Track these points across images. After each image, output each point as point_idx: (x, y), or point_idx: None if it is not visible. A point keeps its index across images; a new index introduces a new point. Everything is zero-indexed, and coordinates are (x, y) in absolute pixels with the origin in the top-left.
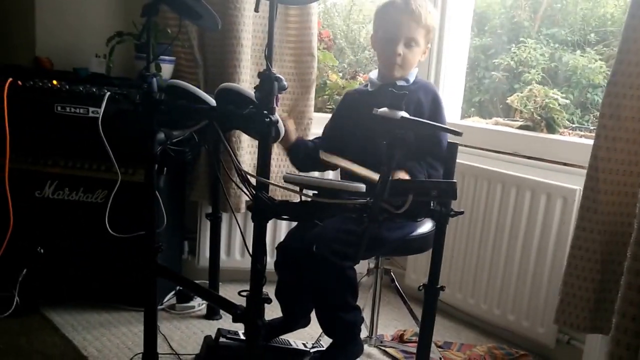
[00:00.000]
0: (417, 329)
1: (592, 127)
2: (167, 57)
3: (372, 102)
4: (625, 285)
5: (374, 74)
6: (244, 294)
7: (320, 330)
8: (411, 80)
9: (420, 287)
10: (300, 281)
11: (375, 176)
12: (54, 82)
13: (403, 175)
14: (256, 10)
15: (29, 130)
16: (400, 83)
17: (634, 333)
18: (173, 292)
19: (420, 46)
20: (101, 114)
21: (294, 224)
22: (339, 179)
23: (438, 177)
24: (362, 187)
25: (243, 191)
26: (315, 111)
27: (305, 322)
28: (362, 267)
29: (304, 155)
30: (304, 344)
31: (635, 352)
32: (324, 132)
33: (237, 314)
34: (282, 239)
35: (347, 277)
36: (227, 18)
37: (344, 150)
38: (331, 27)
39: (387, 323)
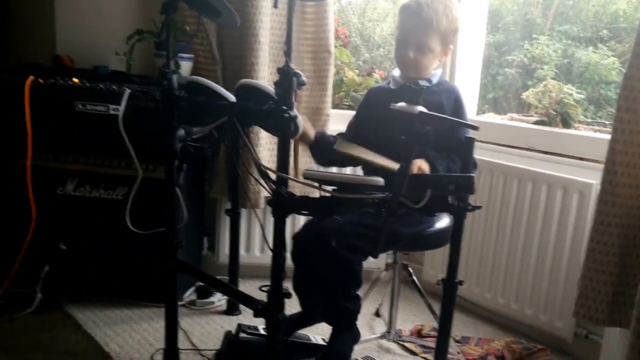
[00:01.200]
0: (435, 324)
1: (606, 122)
2: (186, 55)
3: (394, 100)
4: None
5: (396, 72)
6: (265, 289)
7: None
8: (434, 81)
9: (439, 282)
10: (315, 273)
11: (393, 164)
12: (75, 80)
13: (423, 163)
14: (275, 6)
15: (50, 128)
16: (423, 83)
17: None
18: (193, 288)
19: (434, 51)
20: (122, 111)
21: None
22: (360, 174)
23: (457, 171)
24: (381, 180)
25: (263, 186)
26: (332, 108)
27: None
28: (380, 262)
29: (327, 150)
30: (322, 338)
31: None
32: (348, 128)
33: (258, 309)
34: (302, 226)
35: (353, 270)
36: (245, 16)
37: (367, 148)
38: (346, 25)
39: (405, 318)
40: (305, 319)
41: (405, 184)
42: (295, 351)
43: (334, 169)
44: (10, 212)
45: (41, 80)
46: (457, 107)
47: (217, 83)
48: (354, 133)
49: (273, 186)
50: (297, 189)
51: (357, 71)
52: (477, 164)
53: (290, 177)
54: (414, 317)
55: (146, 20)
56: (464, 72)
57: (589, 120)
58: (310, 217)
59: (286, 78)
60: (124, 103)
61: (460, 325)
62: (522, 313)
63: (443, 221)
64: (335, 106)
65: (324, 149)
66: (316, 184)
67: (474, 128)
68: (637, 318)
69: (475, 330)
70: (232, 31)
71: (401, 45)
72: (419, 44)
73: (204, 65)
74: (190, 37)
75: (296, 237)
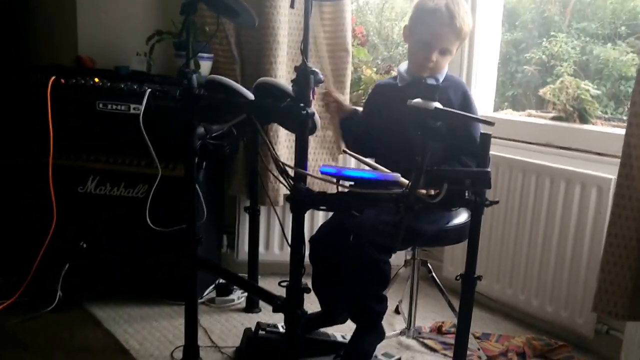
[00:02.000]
0: (455, 320)
1: (625, 118)
2: (205, 55)
3: (402, 98)
4: None
5: (403, 67)
6: (284, 284)
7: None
8: (441, 78)
9: (458, 277)
10: (335, 273)
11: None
12: (96, 80)
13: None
14: (292, 6)
15: (72, 127)
16: (430, 81)
17: None
18: (212, 286)
19: (452, 53)
20: (142, 111)
21: (330, 217)
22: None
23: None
24: (399, 176)
25: (281, 182)
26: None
27: (344, 318)
28: (399, 259)
29: (356, 133)
30: (342, 335)
31: None
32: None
33: (277, 304)
34: (317, 229)
35: (382, 271)
36: (263, 16)
37: (375, 147)
38: (364, 25)
39: (425, 315)
40: (325, 318)
41: (422, 180)
42: (315, 348)
43: (353, 165)
44: (32, 210)
45: (63, 81)
46: (466, 101)
47: (236, 82)
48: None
49: (291, 182)
50: (315, 186)
51: (375, 69)
52: (490, 159)
53: (308, 172)
54: (434, 313)
55: (166, 21)
56: (480, 70)
57: (608, 116)
58: (326, 220)
59: (303, 76)
60: (144, 102)
61: (481, 322)
62: (542, 309)
63: (462, 216)
64: (354, 104)
65: (354, 132)
66: (334, 180)
67: (489, 124)
68: None
69: (496, 327)
70: (250, 31)
71: (425, 48)
72: (443, 48)
73: (223, 64)
74: (209, 37)
75: (313, 239)
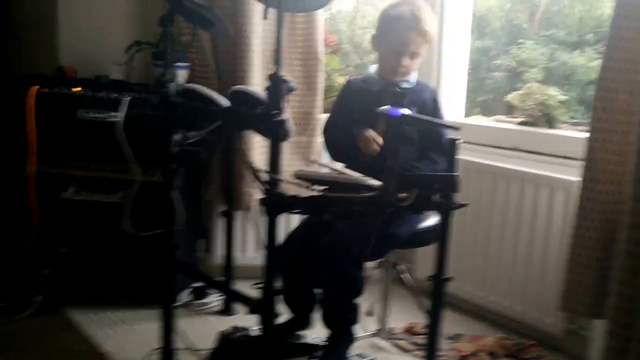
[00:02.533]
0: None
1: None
2: (182, 64)
3: (376, 102)
4: (620, 267)
5: (373, 69)
6: (258, 286)
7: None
8: (414, 81)
9: (428, 278)
10: (304, 280)
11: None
12: (77, 89)
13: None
14: (265, 17)
15: (54, 135)
16: (404, 85)
17: (630, 312)
18: (189, 290)
19: (422, 55)
20: (121, 118)
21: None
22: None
23: (442, 171)
24: (372, 180)
25: (255, 187)
26: (322, 112)
27: (310, 323)
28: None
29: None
30: (316, 337)
31: (632, 330)
32: (332, 123)
33: (252, 305)
34: (288, 235)
35: (356, 282)
36: (238, 26)
37: (351, 147)
38: (337, 33)
39: (397, 316)
40: (294, 325)
41: (394, 183)
42: (290, 350)
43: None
44: (14, 216)
45: (45, 90)
46: (436, 104)
47: (212, 90)
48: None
49: (265, 187)
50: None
51: (347, 76)
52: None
53: (280, 177)
54: (406, 315)
55: (144, 31)
56: (451, 77)
57: (576, 120)
58: (294, 229)
59: (276, 84)
60: (123, 110)
61: (453, 323)
62: (513, 310)
63: (433, 219)
64: (326, 111)
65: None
66: (307, 184)
67: (455, 128)
68: (613, 306)
69: (467, 328)
70: (226, 41)
71: (395, 55)
72: (413, 53)
73: (199, 73)
74: (186, 47)
75: (285, 244)
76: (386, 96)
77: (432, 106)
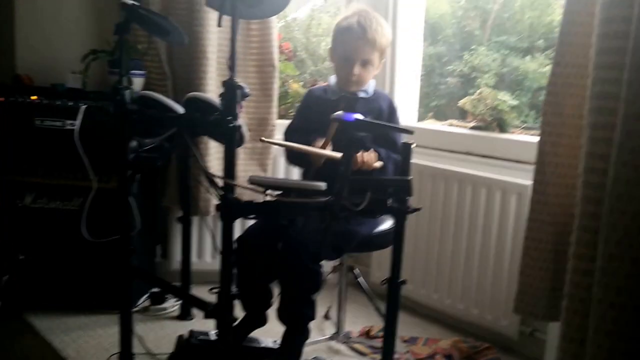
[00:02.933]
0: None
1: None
2: (138, 72)
3: (334, 110)
4: (571, 269)
5: (333, 80)
6: (215, 291)
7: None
8: (370, 91)
9: (383, 282)
10: (260, 274)
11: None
12: (34, 97)
13: (369, 156)
14: (219, 25)
15: (11, 143)
16: (362, 95)
17: (583, 314)
18: (147, 295)
19: (374, 65)
20: (78, 126)
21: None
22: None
23: (397, 161)
24: (323, 185)
25: (211, 192)
26: (278, 118)
27: (265, 320)
28: (326, 265)
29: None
30: (273, 341)
31: (585, 332)
32: (291, 131)
33: (209, 310)
34: (245, 230)
35: (315, 277)
36: (193, 34)
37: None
38: (292, 40)
39: (353, 320)
40: (248, 323)
41: (347, 188)
42: (247, 355)
43: (281, 175)
44: None
45: (2, 99)
46: (392, 111)
47: (167, 97)
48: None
49: (221, 192)
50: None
51: (301, 83)
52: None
53: (235, 182)
54: (362, 318)
55: (100, 40)
56: (403, 82)
57: (528, 124)
58: (254, 223)
59: (230, 90)
60: (79, 118)
61: (409, 326)
62: (468, 313)
63: (388, 222)
64: (281, 117)
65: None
66: (261, 189)
67: (409, 132)
68: (566, 308)
69: (423, 331)
70: (181, 48)
71: (346, 63)
72: (363, 61)
73: (155, 80)
74: (141, 54)
75: (240, 239)
76: (341, 103)
77: (388, 113)
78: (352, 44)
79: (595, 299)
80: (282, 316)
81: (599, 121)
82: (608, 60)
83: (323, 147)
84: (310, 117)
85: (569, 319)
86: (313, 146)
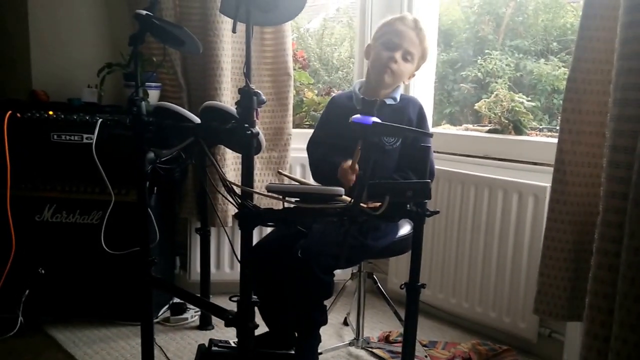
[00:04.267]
0: (402, 330)
1: (558, 128)
2: (153, 84)
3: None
4: (595, 265)
5: (358, 86)
6: (235, 299)
7: None
8: (398, 98)
9: (402, 286)
10: (278, 287)
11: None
12: (50, 112)
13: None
14: (234, 31)
15: (28, 159)
16: (389, 102)
17: (607, 310)
18: (167, 306)
19: (413, 64)
20: (94, 140)
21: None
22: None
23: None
24: (341, 190)
25: (229, 200)
26: (293, 127)
27: (288, 345)
28: (346, 273)
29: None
30: (290, 348)
31: (609, 328)
32: (314, 141)
33: (229, 318)
34: (262, 238)
35: (326, 285)
36: (208, 45)
37: (331, 176)
38: (305, 51)
39: (372, 325)
40: (273, 340)
41: (365, 192)
42: None
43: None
44: None
45: (19, 115)
46: (421, 118)
47: (183, 107)
48: (327, 144)
49: (239, 200)
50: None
51: (315, 92)
52: (434, 173)
53: (254, 190)
54: (381, 324)
55: (115, 53)
56: (418, 89)
57: (542, 126)
58: (270, 232)
59: (246, 97)
60: (96, 132)
61: (427, 331)
62: (486, 316)
63: (405, 228)
64: (297, 126)
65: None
66: (280, 197)
67: (427, 135)
68: (590, 304)
69: (442, 335)
70: (195, 59)
71: (389, 48)
72: (407, 52)
73: (170, 92)
74: (156, 67)
75: (256, 247)
76: (360, 106)
77: (417, 120)
78: (403, 30)
79: (620, 293)
80: (291, 321)
81: (623, 113)
82: (633, 50)
83: (351, 168)
84: (334, 127)
85: (593, 315)
86: (340, 169)
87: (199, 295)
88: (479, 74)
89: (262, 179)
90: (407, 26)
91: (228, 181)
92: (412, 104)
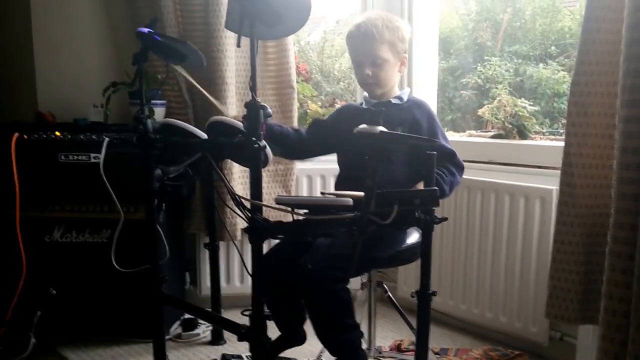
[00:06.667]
0: (414, 338)
1: (562, 132)
2: (158, 101)
3: (363, 118)
4: (608, 267)
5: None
6: (247, 313)
7: (321, 346)
8: (405, 98)
9: (413, 294)
10: (288, 294)
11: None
12: (57, 133)
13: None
14: (238, 45)
15: (36, 180)
16: (395, 102)
17: (622, 313)
18: (178, 322)
19: (388, 60)
20: (102, 159)
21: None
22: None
23: (456, 182)
24: (350, 200)
25: (238, 214)
26: None
27: (302, 338)
28: (355, 283)
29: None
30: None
31: (626, 332)
32: (311, 127)
33: (242, 333)
34: (272, 247)
35: (341, 298)
36: (211, 60)
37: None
38: (307, 63)
39: (384, 335)
40: (284, 341)
41: (373, 202)
42: None
43: (305, 194)
44: (2, 262)
45: (25, 137)
46: (431, 120)
47: (188, 123)
48: (315, 133)
49: (248, 214)
50: (271, 217)
51: (319, 103)
52: (462, 166)
53: (263, 204)
54: (393, 333)
55: (119, 72)
56: (420, 97)
57: (545, 131)
58: (276, 244)
59: (253, 111)
60: (103, 151)
61: (438, 338)
62: (497, 321)
63: (413, 236)
64: None
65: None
66: (289, 209)
67: (434, 142)
68: (605, 308)
69: (453, 342)
70: (200, 75)
71: (357, 67)
72: (371, 58)
73: (175, 109)
74: (161, 84)
75: (265, 257)
76: (366, 115)
77: (427, 126)
78: (356, 47)
79: (635, 295)
80: (326, 346)
81: (631, 115)
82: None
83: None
84: (335, 127)
85: (609, 319)
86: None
87: (209, 310)
88: (479, 80)
89: (269, 191)
90: (357, 39)
91: (237, 195)
92: (419, 105)
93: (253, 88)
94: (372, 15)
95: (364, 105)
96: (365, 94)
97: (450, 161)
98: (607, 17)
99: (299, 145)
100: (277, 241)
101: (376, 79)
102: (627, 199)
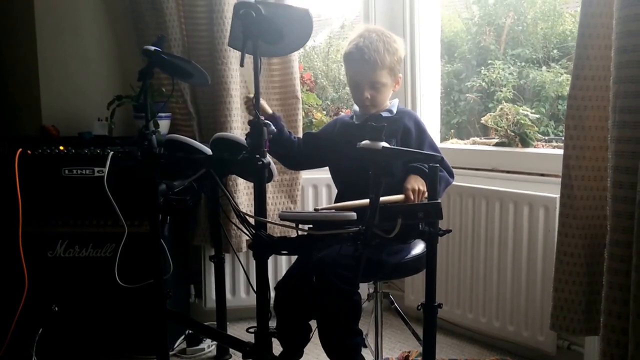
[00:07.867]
0: (421, 349)
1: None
2: (163, 114)
3: (358, 135)
4: (606, 284)
5: (357, 106)
6: (252, 330)
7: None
8: (395, 110)
9: (419, 307)
10: (301, 319)
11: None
12: (61, 147)
13: (417, 183)
14: (241, 65)
15: (40, 195)
16: (385, 114)
17: (621, 330)
18: (183, 337)
19: (387, 84)
20: (106, 173)
21: (294, 262)
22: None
23: (444, 178)
24: (353, 215)
25: (243, 231)
26: None
27: (300, 356)
28: (362, 293)
29: (283, 145)
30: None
31: (625, 348)
32: (310, 134)
33: (247, 350)
34: (282, 276)
35: (352, 302)
36: (216, 72)
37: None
38: (312, 69)
39: (391, 346)
40: (288, 357)
41: (377, 216)
42: None
43: (310, 208)
44: (3, 277)
45: (29, 151)
46: (419, 128)
47: (193, 137)
48: (307, 142)
49: (252, 230)
50: (276, 230)
51: (324, 112)
52: (451, 170)
53: (267, 220)
54: (400, 343)
55: (124, 85)
56: (425, 102)
57: (550, 137)
58: (291, 265)
59: (256, 129)
60: (107, 165)
61: (446, 348)
62: (504, 330)
63: (419, 247)
64: None
65: (281, 143)
66: (293, 225)
67: (436, 155)
68: (604, 325)
69: (461, 352)
70: (205, 88)
71: (356, 88)
72: (371, 83)
73: (180, 121)
74: (166, 97)
75: (279, 286)
76: (366, 129)
77: (416, 133)
78: (355, 69)
79: (633, 312)
80: (328, 351)
81: (622, 135)
82: (627, 74)
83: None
84: (330, 140)
85: (608, 335)
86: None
87: (215, 323)
88: (484, 83)
89: (275, 202)
90: (356, 62)
91: (241, 212)
92: (408, 115)
93: (257, 107)
94: (372, 36)
95: (354, 120)
96: (356, 107)
97: (440, 164)
98: (600, 33)
99: (298, 157)
100: (282, 256)
101: (373, 102)
102: (622, 216)
